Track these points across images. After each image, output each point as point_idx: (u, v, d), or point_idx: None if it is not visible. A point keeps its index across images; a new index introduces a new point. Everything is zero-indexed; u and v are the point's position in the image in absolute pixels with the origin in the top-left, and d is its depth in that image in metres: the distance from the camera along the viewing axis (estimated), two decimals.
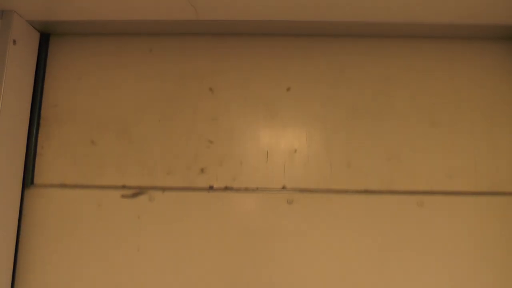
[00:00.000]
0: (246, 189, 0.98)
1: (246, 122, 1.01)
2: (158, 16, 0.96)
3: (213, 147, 1.00)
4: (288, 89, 1.03)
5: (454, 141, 0.99)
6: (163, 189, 0.99)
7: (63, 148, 1.02)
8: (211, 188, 0.99)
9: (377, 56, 1.04)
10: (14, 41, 0.95)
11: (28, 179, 1.00)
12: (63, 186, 1.00)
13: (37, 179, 1.01)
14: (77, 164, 1.01)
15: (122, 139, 1.01)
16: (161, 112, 1.02)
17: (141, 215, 0.98)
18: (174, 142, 1.01)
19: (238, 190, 0.98)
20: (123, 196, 0.99)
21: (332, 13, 0.93)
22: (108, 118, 1.03)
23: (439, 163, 0.98)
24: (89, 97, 1.04)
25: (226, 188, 0.99)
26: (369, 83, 1.03)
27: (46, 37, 1.08)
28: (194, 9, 0.91)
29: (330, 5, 0.91)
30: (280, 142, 1.00)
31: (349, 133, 1.00)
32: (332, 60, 1.04)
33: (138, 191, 0.99)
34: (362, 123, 1.01)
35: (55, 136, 1.02)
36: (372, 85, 1.02)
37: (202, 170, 1.00)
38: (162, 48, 1.06)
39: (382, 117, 1.01)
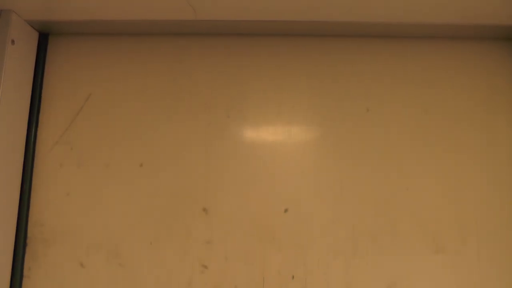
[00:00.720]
0: None
1: (242, 246, 0.97)
2: (157, 16, 0.95)
3: (208, 272, 0.96)
4: (285, 211, 0.98)
5: (458, 268, 0.95)
6: None
7: (50, 270, 0.97)
8: None
9: (376, 170, 1.00)
10: (13, 41, 0.94)
11: None
12: None
13: None
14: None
15: (112, 263, 0.97)
16: (153, 234, 0.98)
17: None
18: (167, 266, 0.97)
19: None
20: None
21: (334, 13, 0.93)
22: (97, 239, 0.98)
23: None
24: (77, 216, 0.99)
25: None
26: (371, 202, 0.99)
27: (45, 37, 1.06)
28: (193, 9, 0.91)
29: (331, 5, 0.90)
30: (277, 267, 0.96)
31: (349, 259, 0.96)
32: (331, 175, 1.00)
33: None
34: (362, 247, 0.97)
35: (42, 258, 0.98)
36: (373, 205, 0.99)
37: None
38: (153, 162, 1.01)
39: (383, 240, 0.97)
